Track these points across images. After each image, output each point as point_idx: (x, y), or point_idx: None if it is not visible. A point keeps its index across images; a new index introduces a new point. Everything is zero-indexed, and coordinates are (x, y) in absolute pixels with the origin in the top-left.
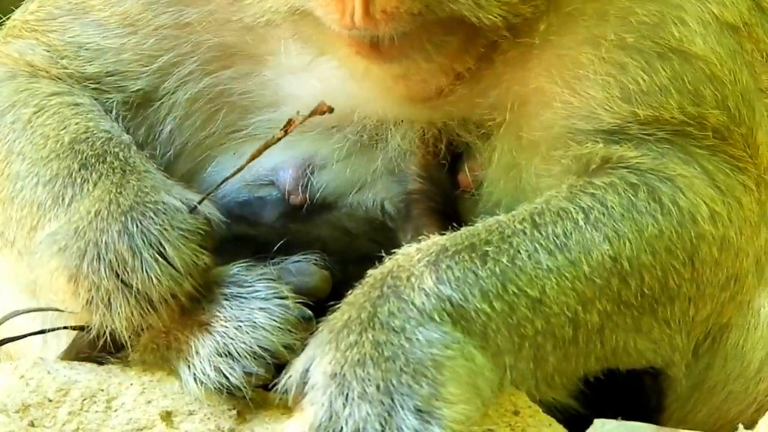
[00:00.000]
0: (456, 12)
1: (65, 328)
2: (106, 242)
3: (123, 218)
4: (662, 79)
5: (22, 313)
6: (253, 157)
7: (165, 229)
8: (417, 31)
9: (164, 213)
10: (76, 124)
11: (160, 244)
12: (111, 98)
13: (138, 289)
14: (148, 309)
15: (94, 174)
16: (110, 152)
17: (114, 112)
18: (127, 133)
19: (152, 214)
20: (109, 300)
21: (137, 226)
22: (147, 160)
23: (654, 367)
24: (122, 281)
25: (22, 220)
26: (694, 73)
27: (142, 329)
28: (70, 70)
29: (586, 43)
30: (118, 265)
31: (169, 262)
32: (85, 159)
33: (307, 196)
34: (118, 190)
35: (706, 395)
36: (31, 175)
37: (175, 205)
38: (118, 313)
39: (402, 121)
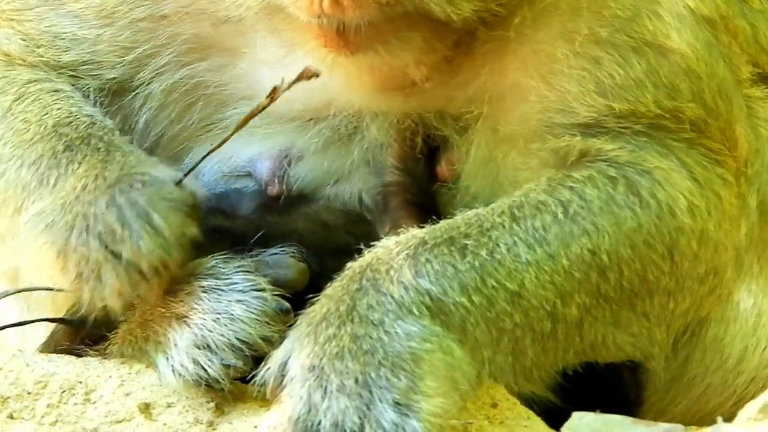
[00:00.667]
0: (424, 6)
1: (45, 320)
2: (94, 214)
3: (110, 191)
4: (637, 72)
5: (12, 294)
6: (237, 128)
7: (152, 200)
8: (383, 22)
9: (151, 185)
10: (59, 109)
11: (148, 214)
12: (87, 84)
13: (128, 260)
14: (138, 279)
15: (78, 154)
16: (94, 135)
17: (92, 98)
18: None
19: (140, 185)
20: (99, 272)
21: (125, 198)
22: (130, 143)
23: (632, 361)
24: (111, 252)
25: (5, 202)
26: (669, 67)
27: (132, 305)
28: (46, 58)
29: (561, 38)
30: (107, 237)
31: (158, 232)
32: (70, 141)
33: (284, 187)
34: (104, 166)
35: (685, 388)
36: (14, 158)
37: (161, 178)
38: (109, 285)
39: (378, 113)
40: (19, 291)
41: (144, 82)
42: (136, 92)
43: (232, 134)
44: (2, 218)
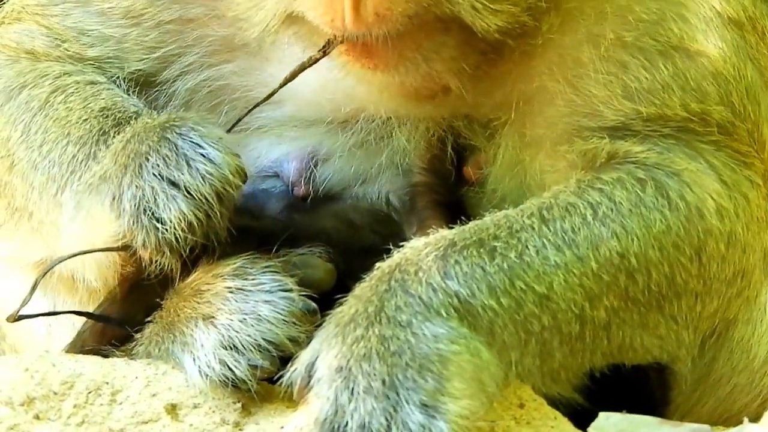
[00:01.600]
0: (455, 13)
1: (74, 312)
2: (146, 151)
3: (161, 130)
4: (664, 76)
5: (68, 258)
6: (286, 81)
7: (203, 136)
8: (413, 31)
9: (200, 127)
10: (104, 98)
11: (201, 146)
12: (115, 74)
13: (187, 185)
14: (199, 208)
15: (127, 129)
16: (141, 113)
17: (123, 86)
18: None
19: (190, 126)
20: (156, 206)
21: (176, 134)
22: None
23: (659, 362)
24: (169, 181)
25: (48, 182)
26: (696, 70)
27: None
28: (71, 52)
29: (586, 42)
30: (162, 167)
31: (212, 161)
32: (118, 120)
33: (311, 188)
34: (151, 117)
35: (711, 388)
36: (60, 138)
37: (208, 124)
38: (171, 219)
39: (406, 120)
40: (76, 255)
41: (169, 80)
42: (159, 89)
43: (281, 86)
44: (43, 200)
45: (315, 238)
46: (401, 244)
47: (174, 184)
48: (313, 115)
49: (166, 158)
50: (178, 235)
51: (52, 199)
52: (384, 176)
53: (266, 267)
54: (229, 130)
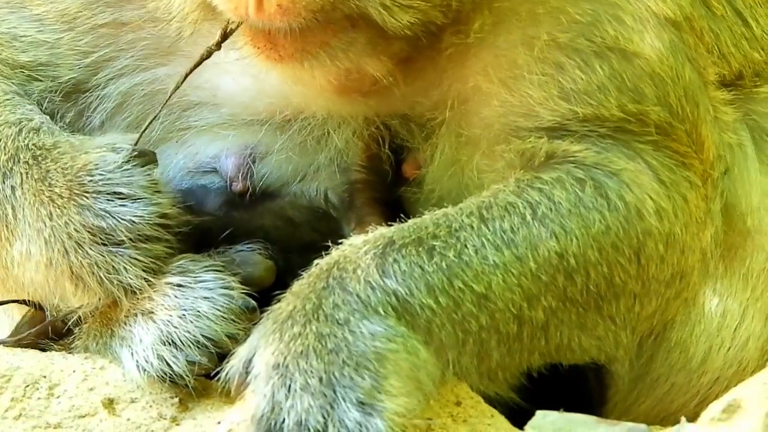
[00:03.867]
0: (362, 10)
1: (14, 301)
2: (75, 229)
3: (72, 202)
4: (600, 77)
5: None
6: (186, 75)
7: (108, 179)
8: (318, 26)
9: (96, 169)
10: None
11: (115, 193)
12: (38, 86)
13: (131, 238)
14: (149, 245)
15: (16, 178)
16: (20, 147)
17: (36, 96)
18: (56, 115)
19: (89, 178)
20: (113, 267)
21: (86, 196)
22: (56, 133)
23: (597, 362)
24: (113, 243)
25: None
26: (633, 71)
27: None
28: (2, 57)
29: (521, 44)
30: (99, 236)
31: (135, 197)
32: (3, 166)
33: (250, 184)
34: (48, 184)
35: (649, 387)
36: None
37: (99, 157)
38: (128, 270)
39: (342, 118)
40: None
41: (100, 85)
42: (92, 93)
43: (182, 81)
44: None
45: (254, 234)
46: (340, 241)
47: (119, 243)
48: (250, 116)
49: (99, 228)
50: (141, 275)
51: None
52: (322, 174)
53: (208, 265)
54: (137, 140)
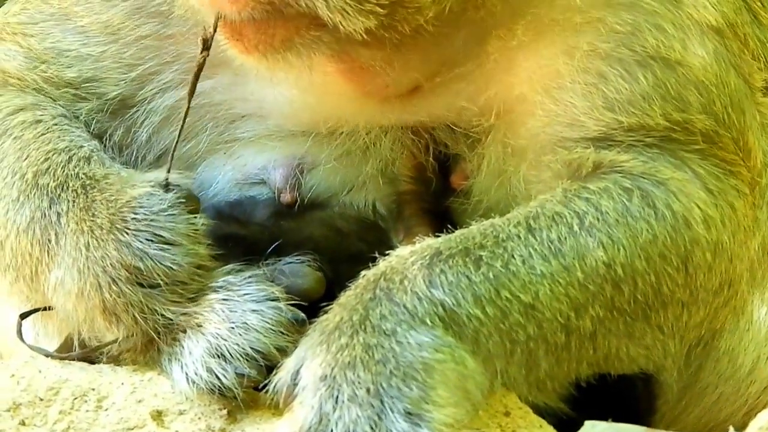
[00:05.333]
0: (312, 10)
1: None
2: (111, 265)
3: (111, 235)
4: (644, 86)
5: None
6: (192, 87)
7: (152, 220)
8: (279, 20)
9: (141, 207)
10: (36, 150)
11: (156, 234)
12: (85, 106)
13: (166, 283)
14: (185, 287)
15: (63, 205)
16: (71, 175)
17: (83, 117)
18: (105, 135)
19: (132, 215)
20: (148, 308)
21: (127, 232)
22: (106, 163)
23: (645, 371)
24: (149, 286)
25: (19, 268)
26: (677, 79)
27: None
28: (48, 74)
29: (562, 53)
30: (136, 276)
31: (174, 244)
32: (51, 192)
33: (298, 195)
34: (91, 215)
35: (698, 397)
36: (9, 223)
37: (146, 193)
38: (162, 314)
39: (388, 127)
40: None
41: (146, 99)
42: (137, 108)
43: (190, 96)
44: (20, 281)
45: (302, 244)
46: (387, 252)
47: (154, 286)
48: (296, 127)
49: (137, 269)
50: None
51: (30, 283)
52: (370, 184)
53: (254, 276)
54: (169, 167)
